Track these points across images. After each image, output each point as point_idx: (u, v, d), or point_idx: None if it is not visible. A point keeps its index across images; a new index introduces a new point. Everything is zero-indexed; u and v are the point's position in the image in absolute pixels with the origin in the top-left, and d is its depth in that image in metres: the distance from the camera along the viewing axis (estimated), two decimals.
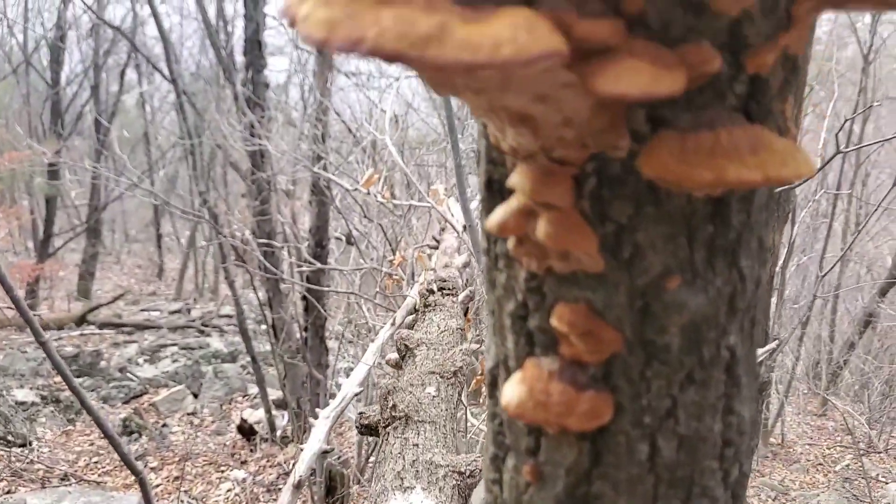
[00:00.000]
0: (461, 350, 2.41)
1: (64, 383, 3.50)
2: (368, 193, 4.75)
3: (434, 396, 2.06)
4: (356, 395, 3.98)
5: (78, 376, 10.86)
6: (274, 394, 9.36)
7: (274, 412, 8.77)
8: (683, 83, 0.39)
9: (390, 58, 0.33)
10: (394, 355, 2.63)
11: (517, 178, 0.47)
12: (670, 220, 0.46)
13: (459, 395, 2.35)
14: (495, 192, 0.52)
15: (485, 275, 0.58)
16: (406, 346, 2.55)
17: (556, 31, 0.35)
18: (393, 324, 4.09)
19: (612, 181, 0.46)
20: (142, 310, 15.87)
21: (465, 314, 3.14)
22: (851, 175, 9.52)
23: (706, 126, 0.42)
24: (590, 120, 0.43)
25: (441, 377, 2.24)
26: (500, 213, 0.49)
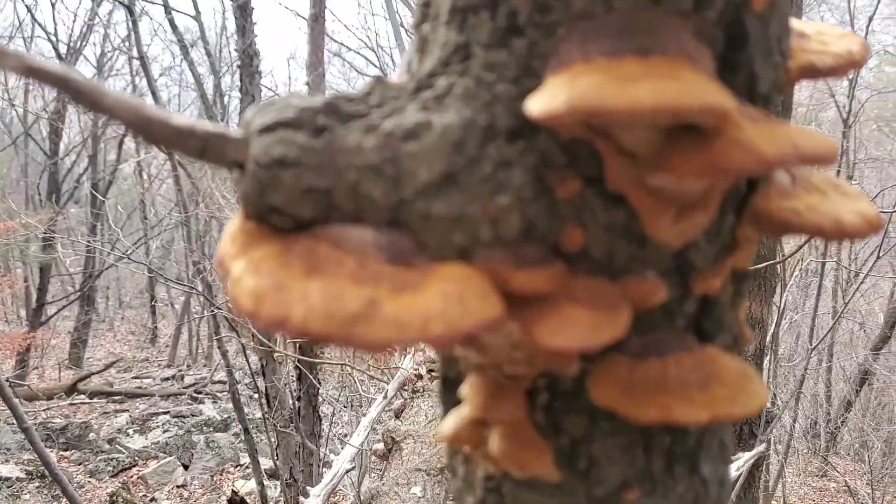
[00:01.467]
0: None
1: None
2: None
3: (420, 498, 2.01)
4: (348, 471, 3.88)
5: (66, 449, 10.61)
6: (266, 463, 9.13)
7: (266, 483, 8.54)
8: (625, 326, 0.38)
9: (318, 338, 0.32)
10: (380, 446, 2.58)
11: (467, 391, 0.46)
12: (626, 431, 0.45)
13: (447, 492, 2.29)
14: (451, 389, 0.51)
15: (447, 460, 0.57)
16: (393, 438, 2.50)
17: (490, 293, 0.35)
18: (385, 397, 4.03)
19: (565, 396, 0.45)
20: (134, 377, 15.63)
21: None
22: None
23: (655, 352, 0.41)
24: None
25: (428, 474, 2.18)
26: (453, 423, 0.48)
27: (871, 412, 10.57)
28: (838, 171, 6.81)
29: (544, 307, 0.37)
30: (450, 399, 0.52)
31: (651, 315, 0.42)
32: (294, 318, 0.32)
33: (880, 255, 4.85)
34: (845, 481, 8.30)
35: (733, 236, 0.43)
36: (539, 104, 0.33)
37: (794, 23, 0.47)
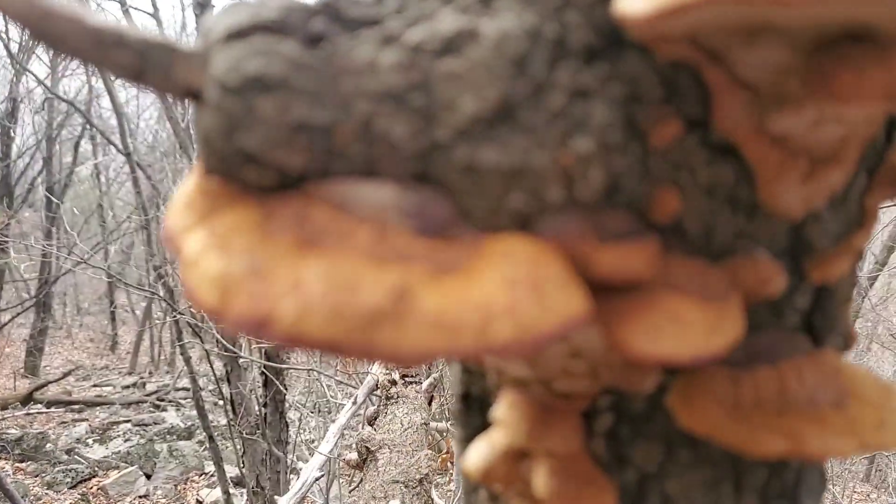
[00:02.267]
0: (426, 455, 2.24)
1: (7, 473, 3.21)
2: None
3: None
4: (317, 479, 3.74)
5: (21, 461, 10.20)
6: (232, 471, 8.90)
7: (232, 491, 8.31)
8: (742, 326, 0.27)
9: (319, 347, 0.20)
10: (353, 455, 2.45)
11: (504, 413, 0.35)
12: (712, 463, 0.34)
13: None
14: (474, 409, 0.40)
15: (464, 496, 0.45)
16: (367, 448, 2.38)
17: (571, 280, 0.23)
18: (354, 402, 3.89)
19: (635, 419, 0.34)
20: (93, 385, 15.15)
21: (430, 403, 2.97)
22: None
23: (764, 358, 0.31)
24: (607, 352, 0.31)
25: (406, 486, 2.06)
26: (483, 454, 0.36)
27: None
28: None
29: (636, 299, 0.26)
30: (472, 422, 0.40)
31: (755, 311, 0.32)
32: (282, 318, 0.20)
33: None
34: None
35: (862, 206, 0.32)
36: (642, 2, 0.22)
37: None
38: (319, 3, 0.25)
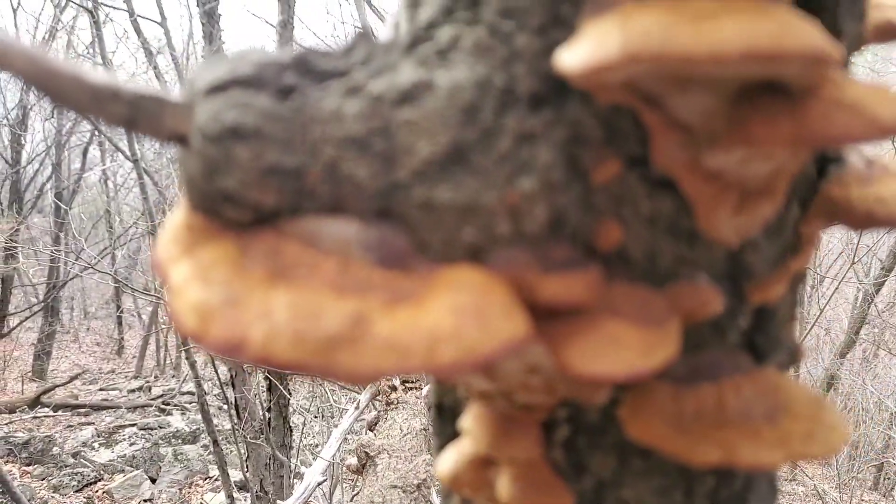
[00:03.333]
0: (424, 460, 2.26)
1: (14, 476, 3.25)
2: None
3: None
4: (319, 483, 3.77)
5: (28, 464, 10.26)
6: (236, 476, 8.94)
7: (236, 495, 8.34)
8: (678, 344, 0.30)
9: (286, 367, 0.23)
10: (353, 460, 2.48)
11: (470, 424, 0.38)
12: (663, 472, 0.37)
13: None
14: (447, 419, 0.43)
15: (441, 502, 0.48)
16: (367, 453, 2.41)
17: (513, 307, 0.26)
18: (357, 407, 3.91)
19: (590, 430, 0.36)
20: (100, 389, 15.23)
21: (430, 409, 2.99)
22: None
23: (706, 375, 0.33)
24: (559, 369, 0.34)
25: (404, 492, 2.08)
26: (452, 461, 0.39)
27: None
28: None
29: (578, 323, 0.29)
30: (446, 430, 0.43)
31: (698, 331, 0.34)
32: (253, 342, 0.23)
33: (854, 262, 4.87)
34: (814, 485, 8.38)
35: (797, 233, 0.35)
36: (579, 55, 0.25)
37: None
38: (292, 57, 0.28)
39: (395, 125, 0.27)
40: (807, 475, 9.46)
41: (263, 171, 0.26)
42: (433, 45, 0.29)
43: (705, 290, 0.32)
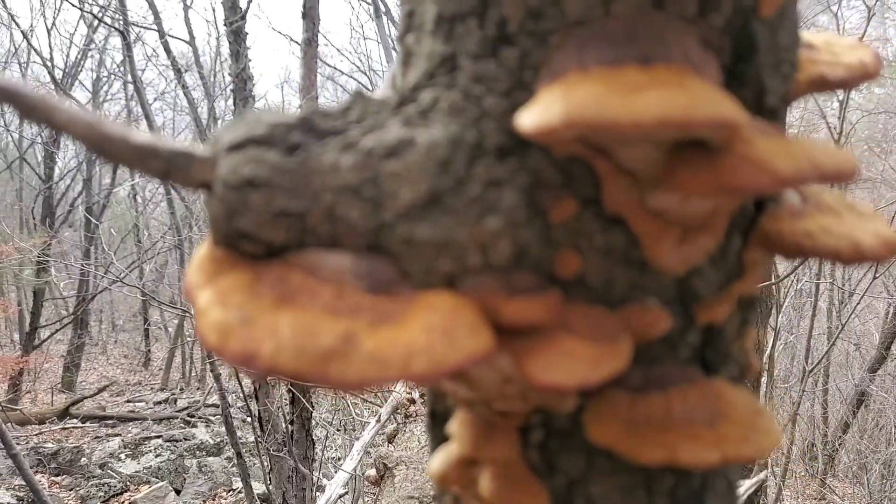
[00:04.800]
0: None
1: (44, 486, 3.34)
2: None
3: None
4: (341, 496, 3.81)
5: (57, 474, 10.46)
6: (259, 488, 9.02)
7: None
8: (627, 359, 0.35)
9: (290, 376, 0.29)
10: (372, 472, 2.53)
11: (456, 428, 0.43)
12: (627, 472, 0.42)
13: None
14: (439, 424, 0.48)
15: (435, 499, 0.53)
16: (385, 464, 2.45)
17: (479, 325, 0.32)
18: (378, 421, 3.97)
19: (560, 434, 0.41)
20: (126, 401, 15.47)
21: None
22: None
23: (657, 385, 0.38)
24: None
25: (420, 502, 2.12)
26: (441, 461, 0.44)
27: (868, 434, 10.50)
28: None
29: (538, 339, 0.34)
30: (438, 434, 0.48)
31: (652, 346, 0.39)
32: (262, 355, 0.29)
33: (876, 275, 4.83)
34: None
35: (740, 261, 0.40)
36: (532, 118, 0.30)
37: (802, 33, 0.45)
38: (298, 118, 0.33)
39: (383, 175, 0.33)
40: (836, 494, 9.28)
41: (274, 214, 0.32)
42: (416, 105, 0.35)
43: (654, 312, 0.37)
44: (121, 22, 6.73)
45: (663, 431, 0.36)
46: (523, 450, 0.42)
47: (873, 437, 10.47)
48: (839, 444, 10.32)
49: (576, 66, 0.32)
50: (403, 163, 0.33)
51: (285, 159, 0.32)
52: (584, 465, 0.42)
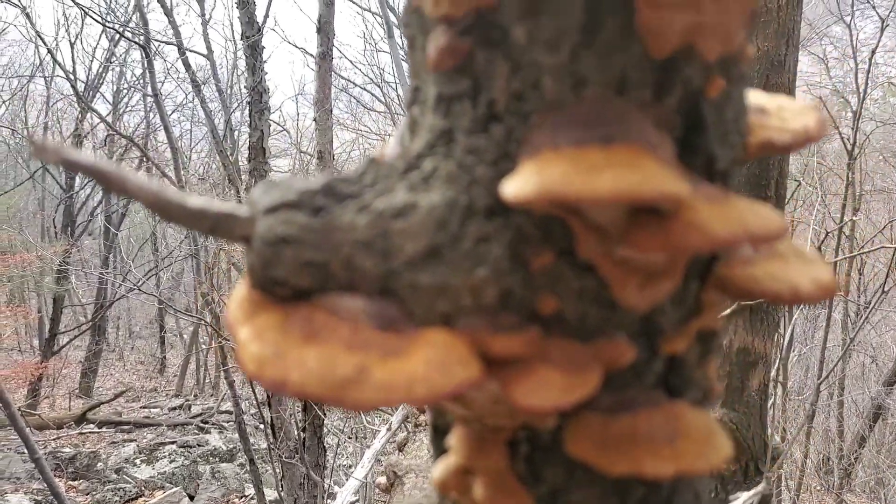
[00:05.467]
0: None
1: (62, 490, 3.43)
2: None
3: None
4: (352, 503, 3.87)
5: (74, 479, 10.62)
6: (271, 494, 9.10)
7: None
8: (595, 386, 0.42)
9: (314, 400, 0.36)
10: (383, 479, 2.59)
11: (454, 441, 0.50)
12: (602, 483, 0.48)
13: None
14: (440, 437, 0.55)
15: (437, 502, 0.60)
16: (395, 472, 2.52)
17: (470, 358, 0.38)
18: (389, 429, 4.02)
19: (544, 448, 0.48)
20: (142, 407, 15.64)
21: None
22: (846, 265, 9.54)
23: (625, 408, 0.45)
24: None
25: None
26: (442, 470, 0.51)
27: (886, 448, 10.40)
28: (843, 204, 6.82)
29: (521, 368, 0.41)
30: (439, 446, 0.55)
31: (622, 374, 0.46)
32: (292, 383, 0.36)
33: (885, 290, 4.83)
34: None
35: (698, 301, 0.46)
36: (512, 189, 0.37)
37: (758, 98, 0.52)
38: (321, 184, 0.40)
39: (392, 232, 0.40)
40: None
41: (301, 264, 0.39)
42: (419, 173, 0.42)
43: (622, 345, 0.44)
44: (142, 37, 6.90)
45: (630, 447, 0.43)
46: (511, 461, 0.49)
47: (891, 452, 10.37)
48: (855, 459, 10.23)
49: (550, 144, 0.39)
50: (408, 222, 0.39)
51: (312, 220, 0.39)
52: (564, 475, 0.48)
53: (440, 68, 0.43)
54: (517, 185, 0.37)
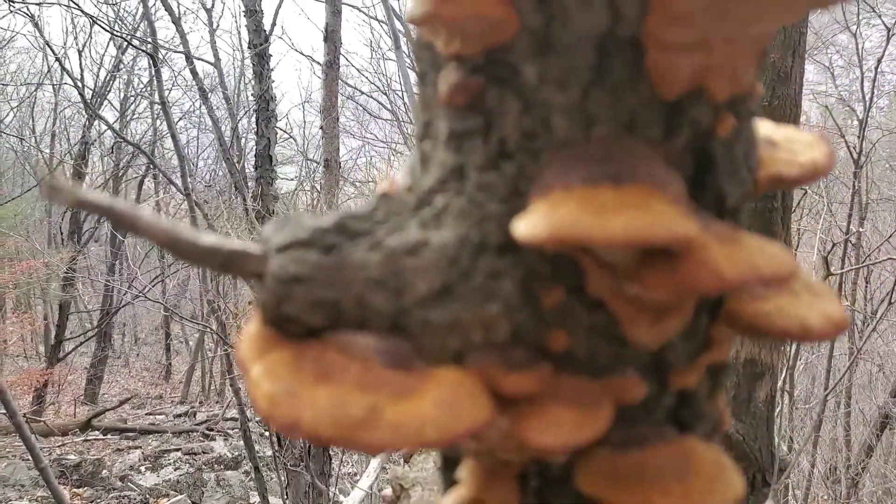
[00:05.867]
0: None
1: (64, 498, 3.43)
2: None
3: None
4: None
5: (79, 486, 10.63)
6: (276, 502, 9.09)
7: None
8: (606, 423, 0.42)
9: (326, 442, 0.36)
10: (388, 491, 2.58)
11: (465, 474, 0.50)
12: None
13: None
14: (450, 469, 0.55)
15: None
16: (401, 485, 2.50)
17: (480, 397, 0.38)
18: None
19: (553, 482, 0.48)
20: (147, 413, 15.65)
21: None
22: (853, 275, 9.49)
23: (636, 443, 0.45)
24: None
25: None
26: (452, 502, 0.51)
27: (893, 457, 10.31)
28: (850, 214, 6.79)
29: (532, 406, 0.41)
30: (449, 477, 0.55)
31: (632, 409, 0.46)
32: (304, 424, 0.36)
33: (892, 300, 4.81)
34: None
35: (708, 335, 0.46)
36: (524, 228, 0.37)
37: (766, 129, 0.52)
38: (333, 222, 0.41)
39: (404, 270, 0.40)
40: None
41: (313, 302, 0.39)
42: (431, 209, 0.42)
43: (632, 381, 0.44)
44: (149, 45, 6.94)
45: (640, 484, 0.43)
46: (522, 494, 0.49)
47: None
48: (863, 468, 10.15)
49: (561, 182, 0.39)
50: (420, 260, 0.40)
51: (324, 258, 0.39)
52: None
53: (452, 105, 0.43)
54: (529, 225, 0.37)
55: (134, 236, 0.37)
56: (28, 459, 11.17)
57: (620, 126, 0.40)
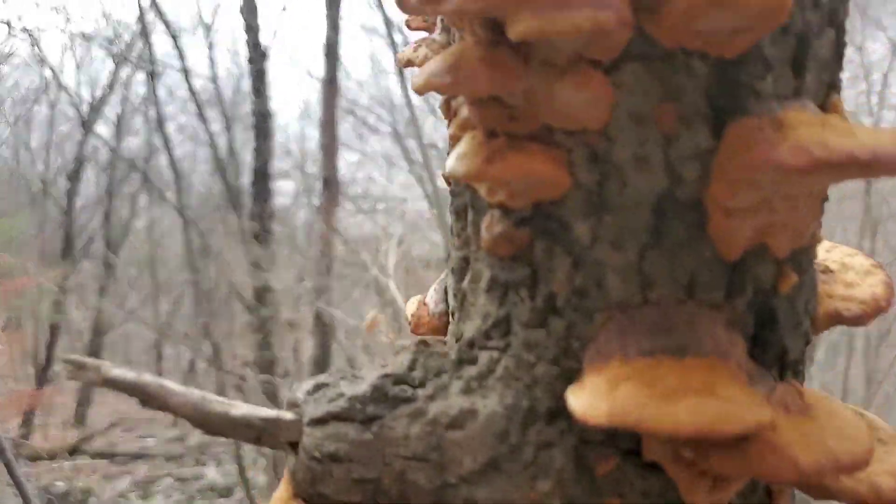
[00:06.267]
0: None
1: None
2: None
3: None
4: None
5: None
6: None
7: None
8: None
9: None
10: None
11: None
12: None
13: None
14: None
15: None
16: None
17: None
18: None
19: None
20: (138, 437, 15.44)
21: None
22: None
23: None
24: None
25: None
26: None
27: None
28: (861, 228, 6.77)
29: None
30: None
31: None
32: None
33: None
34: None
35: (768, 492, 0.43)
36: (582, 406, 0.35)
37: (819, 252, 0.49)
38: (371, 387, 0.38)
39: (447, 443, 0.37)
40: None
41: (352, 481, 0.36)
42: (475, 368, 0.39)
43: None
44: (147, 63, 6.94)
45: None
46: None
47: None
48: None
49: (619, 353, 0.36)
50: (465, 434, 0.37)
51: (363, 434, 0.37)
52: None
53: (495, 253, 0.41)
54: (587, 403, 0.35)
55: (164, 412, 0.34)
56: (13, 485, 10.97)
57: (679, 288, 0.38)
